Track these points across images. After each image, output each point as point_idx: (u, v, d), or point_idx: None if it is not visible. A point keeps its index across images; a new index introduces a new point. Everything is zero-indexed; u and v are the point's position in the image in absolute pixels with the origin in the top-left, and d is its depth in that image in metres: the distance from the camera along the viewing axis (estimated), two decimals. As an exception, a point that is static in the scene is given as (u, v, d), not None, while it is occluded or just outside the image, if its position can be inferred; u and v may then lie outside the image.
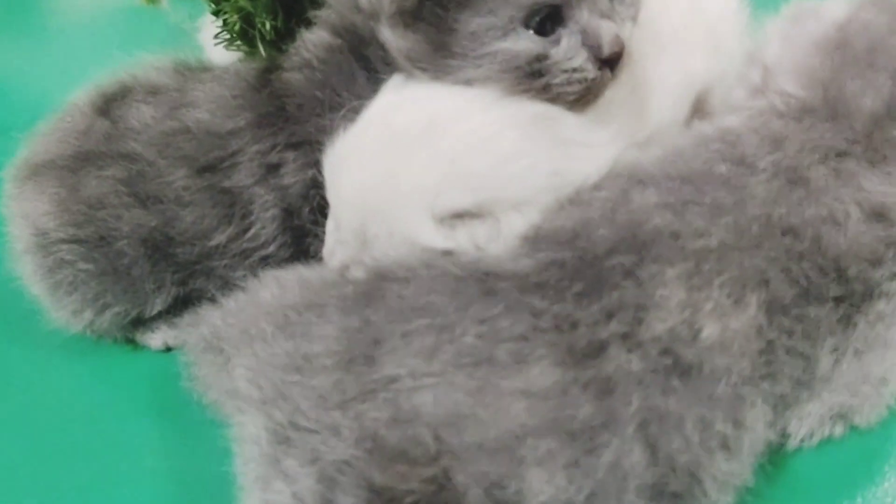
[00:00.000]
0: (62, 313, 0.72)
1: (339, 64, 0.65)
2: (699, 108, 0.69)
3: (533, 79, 0.58)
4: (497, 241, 0.56)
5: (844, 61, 0.56)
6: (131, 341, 0.75)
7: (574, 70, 0.58)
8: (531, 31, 0.57)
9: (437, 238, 0.56)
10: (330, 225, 0.62)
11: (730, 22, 0.75)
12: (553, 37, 0.58)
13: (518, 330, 0.48)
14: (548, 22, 0.58)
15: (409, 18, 0.59)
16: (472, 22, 0.57)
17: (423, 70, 0.60)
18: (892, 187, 0.54)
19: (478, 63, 0.58)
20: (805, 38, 0.59)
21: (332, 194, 0.61)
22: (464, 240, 0.57)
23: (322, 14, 0.67)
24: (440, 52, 0.59)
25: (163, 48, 0.88)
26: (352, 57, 0.64)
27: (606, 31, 0.58)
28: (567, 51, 0.58)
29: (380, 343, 0.50)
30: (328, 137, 0.61)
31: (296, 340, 0.52)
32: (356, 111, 0.61)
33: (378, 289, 0.53)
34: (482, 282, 0.51)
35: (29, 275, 0.72)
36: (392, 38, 0.60)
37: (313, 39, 0.66)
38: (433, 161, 0.56)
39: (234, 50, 0.79)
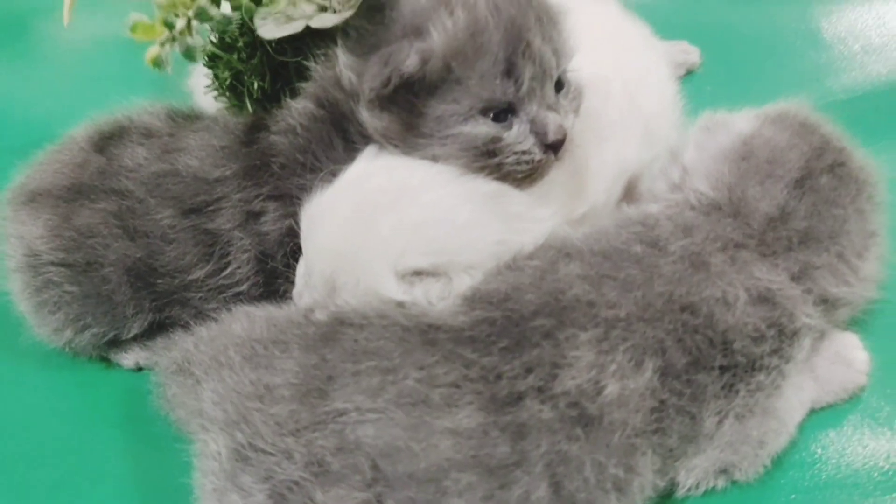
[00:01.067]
0: (44, 330, 0.78)
1: (320, 132, 0.72)
2: (630, 191, 0.79)
3: (488, 158, 0.67)
4: (448, 297, 0.65)
5: (748, 170, 0.67)
6: (105, 359, 0.81)
7: (523, 152, 0.67)
8: (488, 119, 0.66)
9: (397, 291, 0.65)
10: (300, 270, 0.70)
11: (663, 118, 0.85)
12: (506, 124, 0.67)
13: (451, 378, 0.56)
14: (502, 112, 0.67)
15: (385, 102, 0.67)
16: (438, 108, 0.66)
17: (395, 146, 0.69)
18: (778, 276, 0.64)
19: (442, 142, 0.67)
20: (716, 148, 0.69)
21: (306, 244, 0.68)
22: (420, 294, 0.65)
23: (308, 86, 0.74)
24: (410, 132, 0.67)
25: (153, 84, 0.95)
26: (332, 127, 0.72)
27: (552, 121, 0.67)
28: (517, 136, 0.67)
29: (333, 379, 0.58)
30: (306, 194, 0.69)
31: (260, 371, 0.60)
32: (333, 174, 0.69)
33: (336, 332, 0.61)
34: (425, 333, 0.59)
35: (17, 292, 0.78)
36: (369, 117, 0.69)
37: (298, 108, 0.73)
38: (399, 225, 0.64)
39: (222, 102, 0.87)
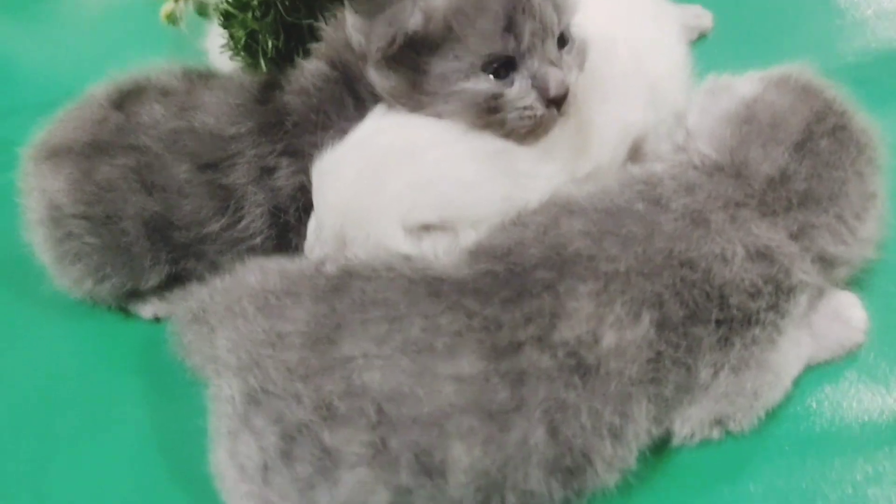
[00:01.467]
0: (65, 280, 0.81)
1: (332, 92, 0.74)
2: (636, 152, 0.80)
3: (490, 114, 0.69)
4: (454, 250, 0.67)
5: (750, 133, 0.68)
6: (124, 310, 0.84)
7: (525, 108, 0.68)
8: (489, 75, 0.68)
9: (405, 245, 0.67)
10: (312, 224, 0.72)
11: (671, 81, 0.86)
12: (508, 79, 0.68)
13: (454, 327, 0.58)
14: (503, 68, 0.68)
15: (391, 62, 0.69)
16: (441, 65, 0.67)
17: (403, 104, 0.70)
18: (777, 234, 0.65)
19: (446, 99, 0.68)
20: (719, 111, 0.70)
21: (317, 199, 0.70)
22: (427, 248, 0.67)
23: (319, 47, 0.76)
24: (416, 90, 0.69)
25: (171, 43, 0.97)
26: (343, 87, 0.74)
27: (553, 76, 0.68)
28: (519, 91, 0.68)
29: (341, 328, 0.60)
30: (318, 151, 0.71)
31: (272, 320, 0.62)
32: (344, 132, 0.71)
33: (345, 283, 0.63)
34: (430, 285, 0.61)
35: (39, 243, 0.81)
36: (377, 77, 0.70)
37: (311, 69, 0.75)
38: (408, 181, 0.66)
39: (237, 61, 0.89)
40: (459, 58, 0.67)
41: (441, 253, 0.67)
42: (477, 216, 0.68)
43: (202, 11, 0.69)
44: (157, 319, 0.83)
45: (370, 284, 0.62)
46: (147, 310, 0.83)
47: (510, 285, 0.61)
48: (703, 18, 1.09)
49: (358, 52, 0.71)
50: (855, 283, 0.74)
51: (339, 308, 0.61)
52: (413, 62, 0.68)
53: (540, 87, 0.68)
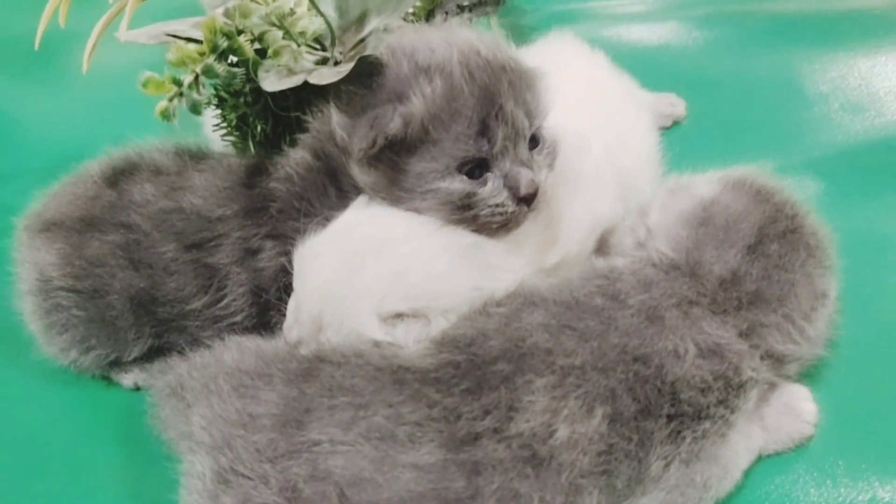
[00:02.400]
0: (52, 349, 0.84)
1: (316, 181, 0.78)
2: (603, 242, 0.84)
3: (464, 211, 0.73)
4: (426, 337, 0.70)
5: (705, 235, 0.72)
6: (107, 378, 0.87)
7: (497, 205, 0.73)
8: (463, 175, 0.72)
9: (378, 332, 0.70)
10: (291, 306, 0.75)
11: (641, 173, 0.90)
12: (481, 179, 0.72)
13: (416, 416, 0.61)
14: (477, 168, 0.72)
15: (372, 160, 0.73)
16: (418, 166, 0.72)
17: (382, 198, 0.75)
18: (727, 332, 0.69)
19: (423, 197, 0.72)
20: (678, 211, 0.74)
21: (297, 283, 0.74)
22: (400, 335, 0.70)
23: (305, 138, 0.80)
24: (394, 187, 0.73)
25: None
26: (326, 177, 0.78)
27: (524, 177, 0.72)
28: (491, 191, 0.72)
29: (310, 412, 0.63)
30: (300, 236, 0.74)
31: (245, 401, 0.65)
32: (326, 219, 0.75)
33: (316, 368, 0.66)
34: (395, 373, 0.64)
35: (28, 313, 0.84)
36: (358, 173, 0.75)
37: (296, 158, 0.80)
38: (381, 272, 0.70)
39: (228, 141, 0.93)
40: (436, 159, 0.71)
41: (412, 340, 0.70)
42: (447, 306, 0.71)
43: (195, 110, 0.73)
44: (137, 388, 0.86)
45: (339, 370, 0.65)
46: (128, 379, 0.86)
47: (470, 376, 0.64)
48: (677, 107, 1.14)
49: (341, 147, 0.75)
50: (807, 376, 0.77)
51: (308, 392, 0.64)
52: (392, 162, 0.72)
53: (511, 186, 0.72)
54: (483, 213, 0.73)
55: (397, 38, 0.76)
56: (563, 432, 0.61)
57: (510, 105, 0.71)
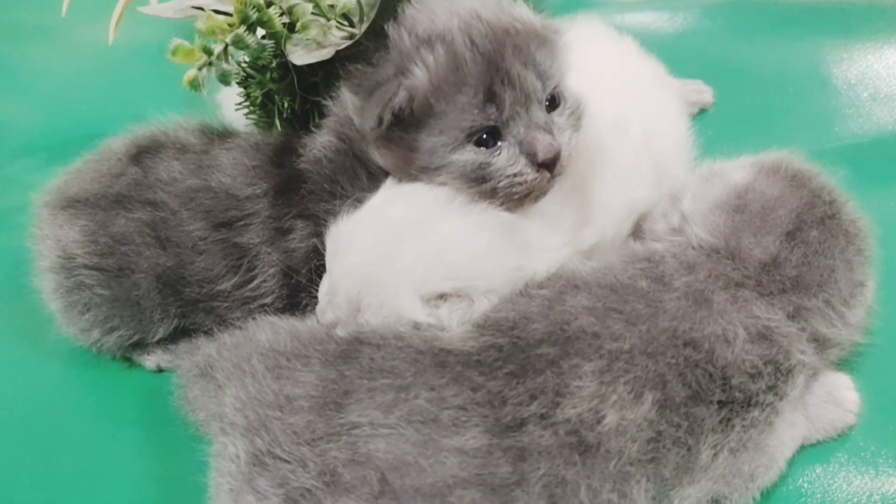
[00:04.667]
0: (73, 329, 0.82)
1: (345, 164, 0.76)
2: (638, 227, 0.82)
3: (481, 183, 0.70)
4: (470, 318, 0.68)
5: (742, 222, 0.70)
6: (128, 359, 0.85)
7: (515, 175, 0.70)
8: (475, 146, 0.70)
9: (421, 313, 0.68)
10: (323, 288, 0.74)
11: (674, 158, 0.89)
12: (494, 148, 0.70)
13: (459, 400, 0.60)
14: (490, 137, 0.70)
15: (385, 141, 0.72)
16: (428, 141, 0.70)
17: (402, 177, 0.73)
18: (776, 315, 0.67)
19: (438, 172, 0.71)
20: (712, 198, 0.73)
21: (332, 266, 0.72)
22: (444, 316, 0.69)
23: (328, 121, 0.79)
24: (410, 165, 0.72)
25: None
26: (354, 159, 0.76)
27: (541, 141, 0.69)
28: (507, 159, 0.70)
29: (349, 394, 0.61)
30: (332, 217, 0.73)
31: (281, 382, 0.63)
32: (358, 201, 0.73)
33: (355, 350, 0.64)
34: (437, 355, 0.63)
35: (48, 291, 0.82)
36: (376, 154, 0.74)
37: (322, 142, 0.78)
38: (422, 252, 0.68)
39: (251, 119, 0.91)
40: (444, 132, 0.69)
41: (457, 321, 0.68)
42: (489, 286, 0.69)
43: (224, 79, 0.71)
44: (160, 370, 0.84)
45: (379, 352, 0.64)
46: (151, 361, 0.84)
47: (514, 360, 0.62)
48: (705, 94, 1.13)
49: (359, 130, 0.73)
50: (847, 365, 0.76)
51: (347, 374, 0.63)
52: (403, 139, 0.71)
53: (528, 152, 0.70)
54: (501, 184, 0.70)
55: (400, 9, 0.74)
56: (611, 418, 0.60)
57: (517, 69, 0.69)
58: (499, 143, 0.70)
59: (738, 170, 0.76)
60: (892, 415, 0.74)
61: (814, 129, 1.08)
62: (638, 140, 0.83)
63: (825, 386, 0.73)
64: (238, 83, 0.89)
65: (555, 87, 0.72)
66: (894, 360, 0.78)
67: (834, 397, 0.73)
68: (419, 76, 0.68)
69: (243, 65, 0.86)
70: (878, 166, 1.02)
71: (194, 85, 0.70)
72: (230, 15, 0.79)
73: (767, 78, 1.17)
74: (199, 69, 0.69)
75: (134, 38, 1.16)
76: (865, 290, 0.72)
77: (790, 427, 0.69)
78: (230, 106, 0.94)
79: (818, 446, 0.73)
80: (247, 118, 0.91)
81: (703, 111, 1.13)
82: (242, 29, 0.72)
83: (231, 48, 0.71)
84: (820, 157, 1.01)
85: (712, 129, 1.07)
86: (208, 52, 0.70)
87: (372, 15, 0.86)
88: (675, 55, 1.14)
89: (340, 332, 0.69)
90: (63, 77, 1.27)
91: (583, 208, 0.77)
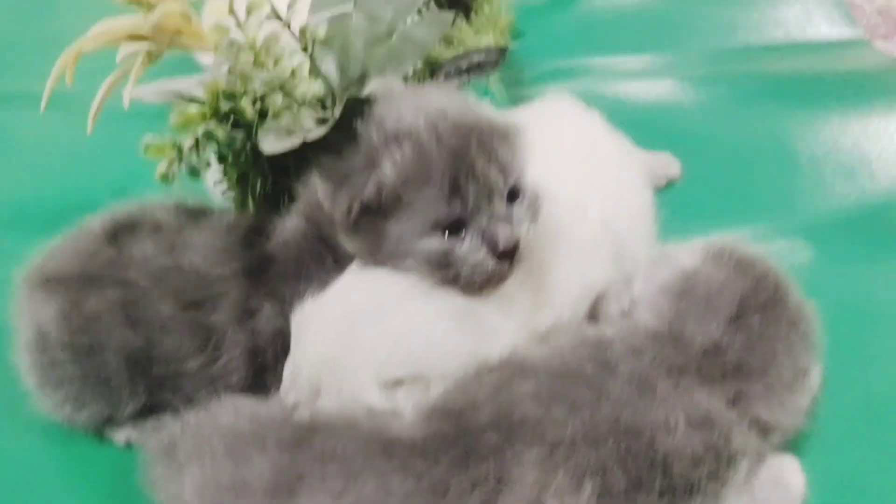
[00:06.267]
0: (46, 404, 0.84)
1: (311, 247, 0.79)
2: (594, 307, 0.85)
3: (444, 269, 0.73)
4: (426, 402, 0.70)
5: (686, 306, 0.73)
6: (99, 433, 0.87)
7: (476, 264, 0.73)
8: (440, 234, 0.73)
9: (378, 399, 0.71)
10: (288, 369, 0.76)
11: (636, 236, 0.91)
12: (458, 237, 0.73)
13: (405, 488, 0.62)
14: (453, 227, 0.73)
15: (353, 228, 0.75)
16: (395, 229, 0.73)
17: (370, 263, 0.76)
18: (716, 401, 0.69)
19: (404, 258, 0.74)
20: (660, 282, 0.76)
21: (296, 347, 0.75)
22: (400, 401, 0.71)
23: (298, 205, 0.82)
24: (377, 251, 0.75)
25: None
26: (322, 243, 0.79)
27: (502, 232, 0.72)
28: (469, 248, 0.73)
29: (302, 479, 0.64)
30: (299, 299, 0.75)
31: (238, 465, 0.65)
32: (324, 283, 0.76)
33: (309, 435, 0.67)
34: (385, 444, 0.65)
35: (25, 367, 0.84)
36: (344, 239, 0.77)
37: (292, 225, 0.81)
38: (382, 338, 0.71)
39: (228, 196, 0.94)
40: (411, 221, 0.72)
41: (412, 405, 0.70)
42: (445, 371, 0.72)
43: (194, 173, 0.74)
44: (129, 445, 0.86)
45: (331, 439, 0.66)
46: (120, 435, 0.85)
47: (459, 446, 0.64)
48: (672, 167, 1.16)
49: (328, 216, 0.76)
50: (792, 447, 0.77)
51: (300, 460, 0.65)
52: (372, 227, 0.74)
53: (489, 242, 0.73)
54: (464, 271, 0.73)
55: (369, 108, 0.78)
56: (552, 506, 0.62)
57: (481, 163, 0.72)
58: (462, 232, 0.73)
59: (686, 254, 0.79)
60: (836, 499, 0.76)
61: (777, 204, 1.11)
62: (596, 222, 0.86)
63: (771, 469, 0.74)
64: (218, 161, 0.92)
65: (515, 181, 0.75)
66: (840, 442, 0.80)
67: (780, 481, 0.74)
68: (388, 170, 0.72)
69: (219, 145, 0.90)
70: (841, 244, 1.04)
71: (165, 179, 0.73)
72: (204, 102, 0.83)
73: (735, 151, 1.20)
74: (170, 164, 0.72)
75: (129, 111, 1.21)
76: (809, 375, 0.74)
77: (734, 513, 0.70)
78: (212, 182, 0.97)
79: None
80: (222, 195, 0.95)
81: (670, 183, 1.16)
82: (213, 122, 0.75)
83: (202, 140, 0.74)
84: (783, 234, 1.06)
85: (678, 202, 1.09)
86: (179, 148, 0.73)
87: (344, 98, 0.91)
88: (645, 126, 1.17)
89: (301, 413, 0.71)
90: (54, 145, 1.29)
91: (539, 291, 0.80)
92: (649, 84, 1.35)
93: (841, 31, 1.43)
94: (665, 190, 1.14)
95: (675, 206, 1.03)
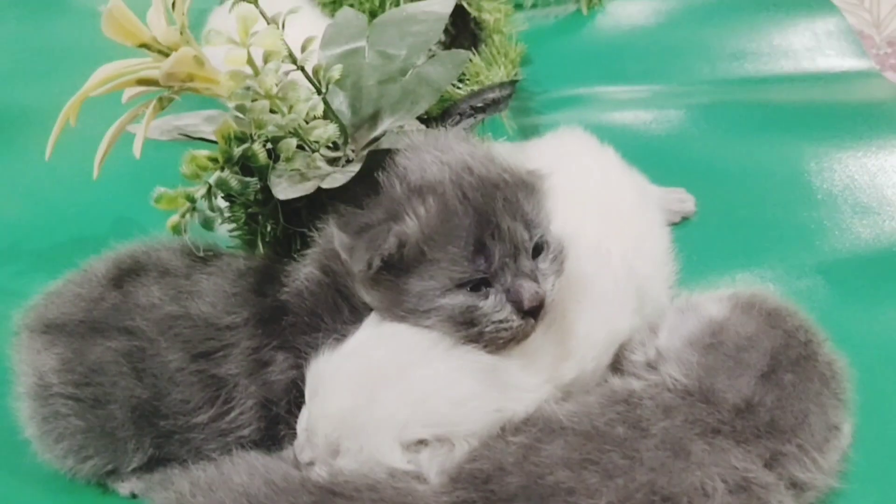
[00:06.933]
0: (47, 456, 0.80)
1: (326, 297, 0.76)
2: (618, 355, 0.82)
3: (468, 327, 0.71)
4: (450, 463, 0.68)
5: (716, 361, 0.70)
6: (102, 484, 0.83)
7: (501, 321, 0.71)
8: (465, 292, 0.70)
9: (400, 461, 0.68)
10: (302, 422, 0.73)
11: (657, 279, 0.89)
12: (482, 294, 0.71)
13: (432, 562, 0.59)
14: (478, 284, 0.70)
15: (372, 282, 0.72)
16: (417, 285, 0.70)
17: (389, 317, 0.73)
18: (753, 464, 0.67)
19: (426, 315, 0.71)
20: (687, 333, 0.73)
21: (313, 405, 0.72)
22: (424, 463, 0.68)
23: (312, 253, 0.79)
24: (397, 307, 0.72)
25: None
26: (336, 293, 0.76)
27: (527, 290, 0.70)
28: (494, 306, 0.70)
29: (321, 550, 0.61)
30: (313, 351, 0.73)
31: (253, 534, 0.63)
32: (340, 334, 0.73)
33: (329, 499, 0.64)
34: (410, 512, 0.62)
35: (25, 416, 0.80)
36: (362, 292, 0.74)
37: (305, 273, 0.78)
38: (404, 398, 0.68)
39: (236, 235, 0.91)
40: (434, 278, 0.70)
41: (436, 467, 0.68)
42: (470, 431, 0.69)
43: (207, 226, 0.71)
44: (134, 497, 0.83)
45: (352, 505, 0.63)
46: (125, 488, 0.82)
47: (486, 517, 0.61)
48: (687, 203, 1.14)
49: (345, 266, 0.74)
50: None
51: (319, 529, 0.62)
52: (392, 283, 0.71)
53: (514, 300, 0.70)
54: (487, 329, 0.71)
55: (391, 158, 0.75)
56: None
57: (506, 222, 0.70)
58: (486, 289, 0.71)
59: (713, 304, 0.76)
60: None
61: (794, 241, 1.09)
62: (619, 267, 0.84)
63: (804, 531, 0.72)
64: (224, 199, 0.89)
65: (541, 236, 0.73)
66: (875, 499, 0.78)
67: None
68: (410, 225, 0.69)
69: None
70: (856, 283, 1.02)
71: (177, 230, 0.70)
72: (213, 142, 0.80)
73: (748, 185, 1.18)
74: (182, 216, 0.69)
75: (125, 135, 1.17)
76: (840, 434, 0.72)
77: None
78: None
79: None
80: (230, 234, 0.92)
81: (684, 220, 1.13)
82: (226, 170, 0.72)
83: (214, 189, 0.71)
84: (799, 273, 1.04)
85: (694, 239, 1.07)
86: (191, 199, 0.70)
87: (359, 137, 0.88)
88: (656, 158, 1.15)
89: (317, 472, 0.68)
90: (51, 174, 1.25)
91: (562, 342, 0.77)
92: (658, 113, 1.32)
93: (851, 62, 1.41)
94: (680, 226, 1.12)
95: (690, 244, 1.02)
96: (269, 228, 0.87)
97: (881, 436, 0.83)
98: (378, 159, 0.74)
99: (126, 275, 0.82)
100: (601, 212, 0.89)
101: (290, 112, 0.74)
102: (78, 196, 1.20)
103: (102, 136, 0.80)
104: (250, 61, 0.70)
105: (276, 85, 0.71)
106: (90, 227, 1.13)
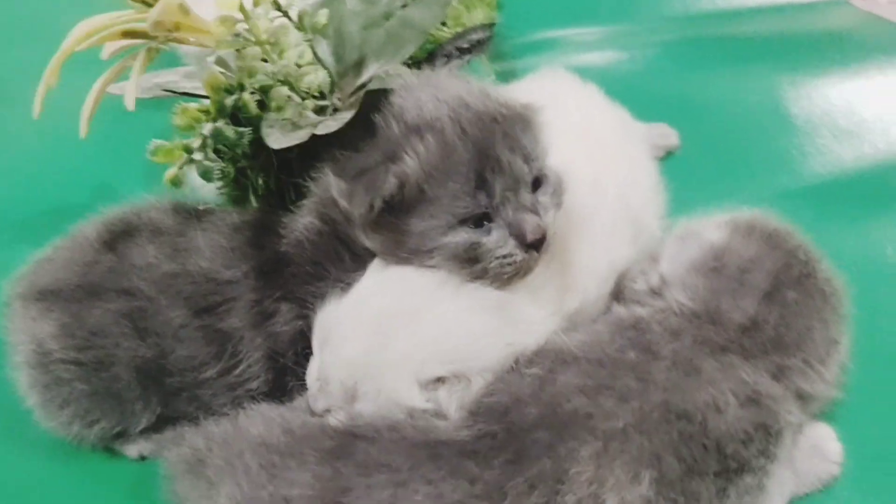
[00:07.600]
0: (51, 423, 0.79)
1: (327, 246, 0.76)
2: (618, 285, 0.83)
3: (472, 264, 0.71)
4: (468, 399, 0.68)
5: (719, 283, 0.71)
6: (109, 449, 0.83)
7: (505, 256, 0.71)
8: (467, 227, 0.70)
9: (420, 400, 0.68)
10: (313, 373, 0.73)
11: (649, 210, 0.90)
12: (485, 229, 0.70)
13: (458, 495, 0.59)
14: (480, 220, 0.70)
15: (374, 225, 0.71)
16: (419, 225, 0.70)
17: (392, 260, 0.73)
18: (762, 377, 0.68)
19: (430, 255, 0.71)
20: (689, 259, 0.74)
21: (325, 353, 0.71)
22: (443, 400, 0.68)
23: (309, 203, 0.78)
24: (401, 248, 0.71)
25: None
26: (337, 241, 0.75)
27: (529, 223, 0.70)
28: (497, 241, 0.70)
29: (347, 492, 0.61)
30: (318, 300, 0.72)
31: (277, 482, 0.62)
32: (344, 283, 0.73)
33: (350, 444, 0.64)
34: (432, 448, 0.62)
35: (25, 386, 0.79)
36: (364, 237, 0.73)
37: (304, 223, 0.77)
38: (417, 339, 0.68)
39: (224, 194, 0.89)
40: (435, 216, 0.69)
41: (455, 403, 0.68)
42: (484, 365, 0.70)
43: (207, 176, 0.70)
44: (142, 458, 0.82)
45: (374, 446, 0.63)
46: (132, 449, 0.82)
47: (510, 447, 0.62)
48: (670, 137, 1.14)
49: (344, 213, 0.73)
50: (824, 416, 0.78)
51: (344, 471, 0.62)
52: (393, 224, 0.71)
53: (516, 234, 0.70)
54: (492, 265, 0.71)
55: (385, 98, 0.74)
56: (611, 502, 0.60)
57: (506, 155, 0.69)
58: (488, 225, 0.71)
59: (713, 229, 0.77)
60: (873, 466, 0.76)
61: (777, 168, 1.11)
62: (614, 199, 0.84)
63: (809, 439, 0.75)
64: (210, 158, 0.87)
65: (539, 169, 0.72)
66: (869, 408, 0.80)
67: (818, 450, 0.75)
68: (409, 163, 0.69)
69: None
70: (840, 206, 1.04)
71: (175, 183, 0.69)
72: (197, 96, 0.79)
73: (729, 117, 1.19)
74: (180, 168, 0.68)
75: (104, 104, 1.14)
76: (839, 347, 0.74)
77: (780, 486, 0.70)
78: (199, 181, 0.92)
79: (804, 499, 0.74)
80: (218, 192, 0.90)
81: (669, 154, 1.14)
82: (221, 121, 0.70)
83: (209, 140, 0.70)
84: (784, 198, 1.05)
85: (680, 171, 1.07)
86: (188, 150, 0.69)
87: (345, 85, 0.87)
88: (636, 96, 1.14)
89: (334, 419, 0.68)
90: (29, 145, 1.21)
91: (564, 274, 0.78)
92: (634, 52, 1.32)
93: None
94: (665, 160, 1.13)
95: (677, 176, 1.02)
96: (260, 181, 0.85)
97: (876, 355, 0.85)
98: (371, 101, 0.73)
99: (118, 237, 0.80)
100: (592, 147, 0.89)
101: (280, 58, 0.72)
102: (56, 164, 1.17)
103: (73, 104, 0.78)
104: (241, 6, 0.68)
105: (266, 31, 0.69)
106: (70, 195, 1.10)
